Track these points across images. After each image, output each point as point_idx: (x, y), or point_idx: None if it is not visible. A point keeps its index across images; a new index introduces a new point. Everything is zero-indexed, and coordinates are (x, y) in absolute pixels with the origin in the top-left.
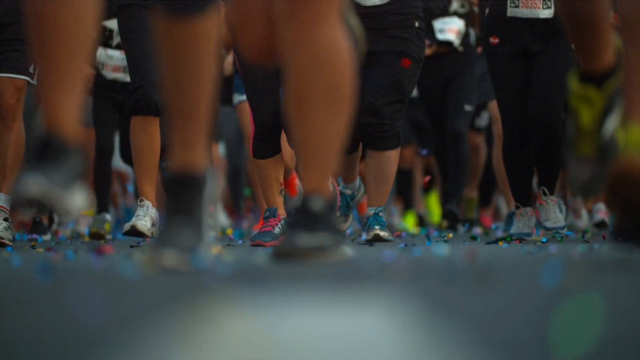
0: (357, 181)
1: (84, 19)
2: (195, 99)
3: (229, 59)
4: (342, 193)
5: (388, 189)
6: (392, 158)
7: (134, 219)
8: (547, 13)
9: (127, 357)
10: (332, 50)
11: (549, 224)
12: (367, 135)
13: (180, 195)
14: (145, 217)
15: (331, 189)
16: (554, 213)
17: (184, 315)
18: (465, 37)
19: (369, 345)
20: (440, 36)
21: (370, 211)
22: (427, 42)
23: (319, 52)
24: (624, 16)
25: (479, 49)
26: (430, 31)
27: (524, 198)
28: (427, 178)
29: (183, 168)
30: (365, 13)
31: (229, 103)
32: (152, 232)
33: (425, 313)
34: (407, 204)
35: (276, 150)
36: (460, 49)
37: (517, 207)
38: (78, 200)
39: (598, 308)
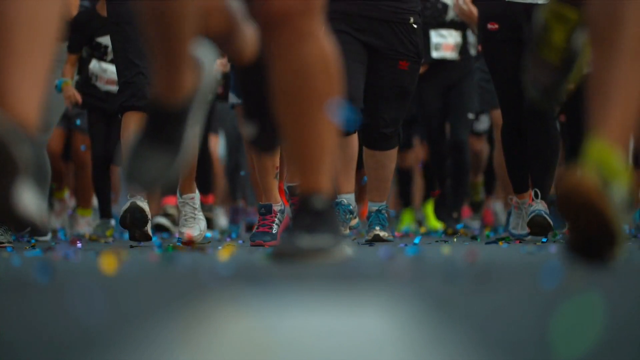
0: (353, 197)
1: (47, 6)
2: (179, 35)
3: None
4: (338, 203)
5: (388, 184)
6: (392, 155)
7: (128, 203)
8: None
9: (127, 357)
10: (317, 64)
11: (534, 208)
12: (368, 136)
13: (161, 121)
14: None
15: (280, 206)
16: (542, 208)
17: (184, 316)
18: (463, 44)
19: (369, 345)
20: (435, 54)
21: (373, 207)
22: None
23: (304, 67)
24: (594, 22)
25: (479, 48)
26: (426, 43)
27: (522, 184)
28: (437, 192)
29: (166, 96)
30: None
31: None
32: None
33: (425, 313)
34: (406, 202)
35: (275, 143)
36: (458, 58)
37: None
38: (30, 200)
39: (598, 308)
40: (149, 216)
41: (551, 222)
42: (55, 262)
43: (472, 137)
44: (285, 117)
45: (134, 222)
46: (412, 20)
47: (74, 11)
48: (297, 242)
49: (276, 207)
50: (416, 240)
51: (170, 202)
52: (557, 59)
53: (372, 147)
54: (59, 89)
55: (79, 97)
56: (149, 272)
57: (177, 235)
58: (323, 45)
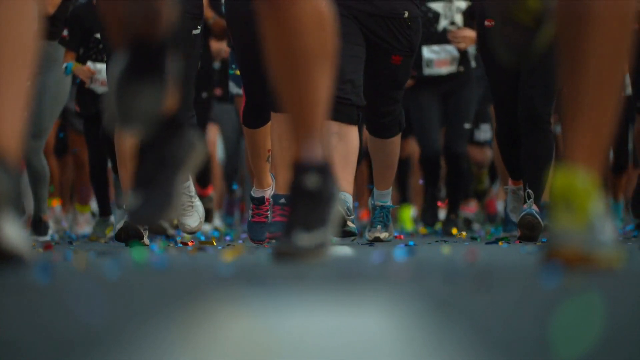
0: (351, 198)
1: (24, 24)
2: None
3: (221, 45)
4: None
5: (393, 172)
6: (394, 142)
7: (123, 221)
8: None
9: (127, 358)
10: (311, 21)
11: (524, 207)
12: (368, 124)
13: (144, 55)
14: None
15: (272, 190)
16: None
17: (184, 316)
18: (463, 54)
19: (369, 345)
20: (427, 71)
21: (378, 202)
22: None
23: (297, 24)
24: (561, 49)
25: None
26: (418, 58)
27: (519, 172)
28: (446, 202)
29: (147, 32)
30: None
31: (227, 100)
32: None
33: (425, 313)
34: (404, 196)
35: (266, 119)
36: (461, 69)
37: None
38: (13, 232)
39: (598, 308)
40: (147, 241)
41: (541, 221)
42: (55, 263)
43: (473, 147)
44: (279, 77)
45: (129, 239)
46: (406, 14)
47: (51, 9)
48: (296, 241)
49: (268, 194)
50: (410, 243)
51: None
52: (530, 19)
53: (375, 134)
54: (69, 71)
55: (93, 70)
56: (149, 272)
57: (178, 228)
58: (317, 3)
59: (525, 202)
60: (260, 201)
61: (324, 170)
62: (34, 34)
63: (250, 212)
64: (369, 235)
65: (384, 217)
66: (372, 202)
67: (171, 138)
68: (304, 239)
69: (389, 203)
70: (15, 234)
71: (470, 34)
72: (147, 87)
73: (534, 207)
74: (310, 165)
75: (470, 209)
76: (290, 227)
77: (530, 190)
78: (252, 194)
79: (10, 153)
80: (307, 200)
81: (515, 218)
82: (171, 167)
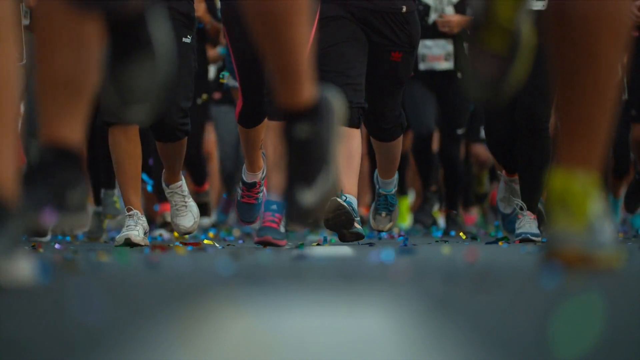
0: (355, 200)
1: (6, 66)
2: None
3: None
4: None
5: (396, 164)
6: (396, 143)
7: (124, 230)
8: (539, 4)
9: (128, 358)
10: None
11: (520, 230)
12: (372, 129)
13: (124, 31)
14: (137, 227)
15: (263, 172)
16: (529, 224)
17: (184, 315)
18: (461, 52)
19: (369, 345)
20: (422, 66)
21: (382, 192)
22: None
23: None
24: (552, 39)
25: None
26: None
27: (513, 167)
28: (451, 211)
29: (119, 14)
30: None
31: (226, 103)
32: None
33: (425, 313)
34: (402, 190)
35: (262, 118)
36: (459, 75)
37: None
38: (22, 269)
39: (597, 308)
40: (147, 242)
41: (539, 239)
42: (55, 262)
43: (479, 145)
44: (259, 32)
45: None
46: (404, 9)
47: (34, 1)
48: (302, 202)
49: (259, 177)
50: (404, 240)
51: (167, 210)
52: (502, 46)
53: (378, 138)
54: None
55: None
56: (149, 273)
57: (173, 227)
58: None
59: (518, 211)
60: (251, 185)
61: (315, 113)
62: (17, 72)
63: (239, 192)
64: (372, 224)
65: (389, 204)
66: (377, 188)
67: (67, 173)
68: (307, 196)
69: (393, 192)
70: (25, 269)
71: (457, 18)
72: (140, 63)
73: (530, 218)
74: (300, 111)
75: (471, 218)
76: (291, 187)
77: (522, 203)
78: (244, 177)
79: (8, 194)
80: (301, 151)
81: (503, 208)
82: (59, 192)
